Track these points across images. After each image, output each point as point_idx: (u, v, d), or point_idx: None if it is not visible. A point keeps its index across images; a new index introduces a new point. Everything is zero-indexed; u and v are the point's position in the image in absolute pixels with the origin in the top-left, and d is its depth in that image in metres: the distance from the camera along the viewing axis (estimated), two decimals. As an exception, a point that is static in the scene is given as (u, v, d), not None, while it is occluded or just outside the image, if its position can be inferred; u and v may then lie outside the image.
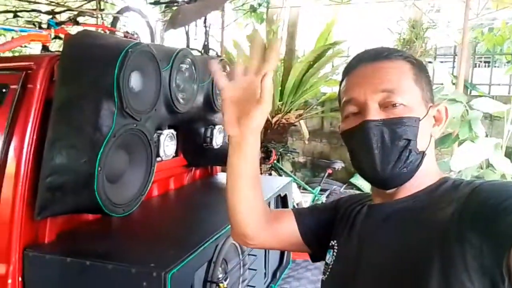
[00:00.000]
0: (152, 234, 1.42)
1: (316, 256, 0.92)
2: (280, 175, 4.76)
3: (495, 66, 6.43)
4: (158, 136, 1.50)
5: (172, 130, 1.59)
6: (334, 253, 0.82)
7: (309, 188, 4.61)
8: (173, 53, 1.48)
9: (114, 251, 1.24)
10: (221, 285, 1.43)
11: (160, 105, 1.44)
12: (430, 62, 5.27)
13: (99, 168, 1.15)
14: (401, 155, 0.69)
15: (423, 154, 0.71)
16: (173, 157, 1.81)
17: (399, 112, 0.69)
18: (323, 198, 4.35)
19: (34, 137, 1.22)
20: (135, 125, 1.28)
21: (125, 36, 3.94)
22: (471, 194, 0.64)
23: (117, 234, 1.37)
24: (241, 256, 1.67)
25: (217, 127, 1.96)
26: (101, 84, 1.17)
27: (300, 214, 0.89)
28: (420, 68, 0.74)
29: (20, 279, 1.18)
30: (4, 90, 1.23)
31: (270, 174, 4.79)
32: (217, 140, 1.98)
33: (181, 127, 1.81)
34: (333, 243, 0.83)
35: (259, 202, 0.83)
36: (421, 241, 0.64)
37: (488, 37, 5.35)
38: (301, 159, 6.18)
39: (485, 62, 6.93)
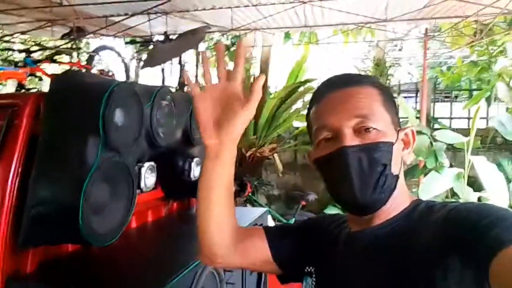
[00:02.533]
0: (131, 263, 1.46)
1: (287, 277, 0.90)
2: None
3: (455, 101, 6.87)
4: (139, 168, 1.57)
5: (152, 163, 1.66)
6: (313, 282, 0.81)
7: (284, 220, 4.68)
8: (154, 91, 1.58)
9: (95, 280, 1.27)
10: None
11: (141, 139, 1.52)
12: (394, 97, 5.61)
13: (84, 200, 1.20)
14: (379, 180, 0.70)
15: (397, 177, 0.72)
16: (152, 189, 1.87)
17: (373, 137, 0.70)
18: (297, 230, 4.43)
19: (19, 170, 1.27)
20: (118, 157, 1.35)
21: (100, 73, 4.04)
22: (447, 218, 0.64)
23: (98, 263, 1.40)
24: (219, 285, 1.72)
25: (195, 160, 2.04)
26: (87, 120, 1.24)
27: (271, 233, 0.87)
28: (387, 93, 0.76)
29: (1, 311, 1.19)
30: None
31: (245, 207, 4.86)
32: (195, 173, 2.05)
33: (160, 160, 1.88)
34: (311, 270, 0.82)
35: (231, 218, 0.82)
36: (404, 268, 0.64)
37: (446, 75, 5.75)
38: (276, 192, 6.28)
39: (445, 97, 7.41)
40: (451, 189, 4.36)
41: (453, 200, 4.39)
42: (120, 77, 4.29)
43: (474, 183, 4.44)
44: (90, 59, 4.04)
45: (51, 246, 1.33)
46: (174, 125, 1.77)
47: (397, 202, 0.73)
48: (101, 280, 1.28)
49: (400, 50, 6.76)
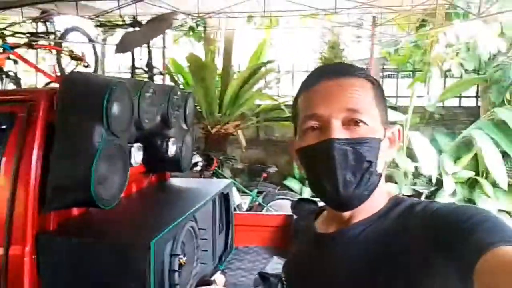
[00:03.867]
0: (127, 221, 1.87)
1: None
2: (221, 181, 5.27)
3: (402, 77, 7.50)
4: (130, 148, 1.96)
5: (139, 143, 2.05)
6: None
7: (247, 191, 5.16)
8: (141, 85, 1.96)
9: (100, 232, 1.69)
10: (181, 260, 1.91)
11: (131, 124, 1.90)
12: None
13: (94, 173, 1.59)
14: (363, 176, 0.68)
15: (380, 175, 0.71)
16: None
17: (362, 132, 0.68)
18: (260, 199, 4.92)
19: (40, 151, 1.64)
20: (116, 140, 1.74)
21: (70, 55, 4.27)
22: (429, 221, 0.63)
23: (102, 221, 1.81)
24: (195, 240, 2.16)
25: (171, 140, 2.43)
26: (93, 112, 1.61)
27: None
28: (379, 89, 0.74)
29: (34, 257, 1.58)
30: (14, 117, 1.63)
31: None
32: (171, 150, 2.45)
33: (144, 141, 2.27)
34: (282, 276, 0.83)
35: None
36: (385, 270, 0.64)
37: (393, 57, 6.33)
38: (240, 166, 6.74)
39: (392, 75, 8.02)
40: (393, 160, 4.98)
41: (395, 169, 5.02)
42: (89, 58, 4.53)
43: (413, 155, 5.10)
44: (61, 39, 4.24)
45: (67, 209, 1.72)
46: (156, 112, 2.15)
47: (376, 200, 0.71)
48: (105, 233, 1.70)
49: (359, 25, 7.06)
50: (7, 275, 1.57)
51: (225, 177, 5.34)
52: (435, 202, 0.68)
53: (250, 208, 4.87)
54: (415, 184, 5.12)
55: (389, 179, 5.38)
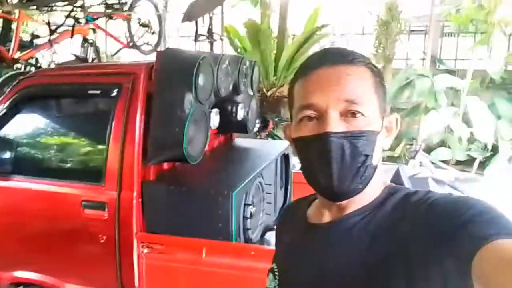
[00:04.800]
0: (211, 174, 2.23)
1: None
2: (276, 141, 5.58)
3: (464, 36, 7.20)
4: (209, 113, 2.28)
5: (216, 109, 2.36)
6: (276, 278, 0.80)
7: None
8: (218, 58, 2.24)
9: (190, 182, 2.05)
10: (251, 209, 2.25)
11: (212, 93, 2.21)
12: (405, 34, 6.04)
13: (186, 134, 1.93)
14: (359, 170, 0.68)
15: (375, 167, 0.71)
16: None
17: (359, 124, 0.67)
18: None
19: (142, 116, 1.99)
20: (200, 107, 2.06)
21: (138, 23, 4.64)
22: (427, 212, 0.63)
23: (191, 173, 2.17)
24: (261, 194, 2.50)
25: (240, 105, 2.72)
26: (184, 83, 1.93)
27: None
28: (379, 76, 0.72)
29: (140, 200, 1.98)
30: (121, 87, 1.99)
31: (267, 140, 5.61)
32: (240, 114, 2.75)
33: (217, 106, 2.58)
34: (273, 267, 0.82)
35: None
36: (381, 260, 0.64)
37: (454, 18, 6.10)
38: (292, 127, 6.98)
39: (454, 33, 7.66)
40: (448, 126, 5.00)
41: (449, 134, 5.05)
42: (155, 26, 4.88)
43: (469, 120, 5.07)
44: (131, 9, 4.61)
45: (164, 163, 2.09)
46: (229, 81, 2.44)
47: (371, 189, 0.71)
48: (196, 183, 2.06)
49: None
50: (119, 214, 1.99)
51: (280, 139, 5.64)
52: (430, 192, 0.68)
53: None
54: (469, 149, 5.12)
55: (443, 144, 5.41)
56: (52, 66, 4.03)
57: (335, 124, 0.67)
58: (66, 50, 4.26)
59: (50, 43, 3.57)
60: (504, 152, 4.68)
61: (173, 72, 1.94)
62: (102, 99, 2.07)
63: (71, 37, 3.53)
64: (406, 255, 0.62)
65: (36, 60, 3.69)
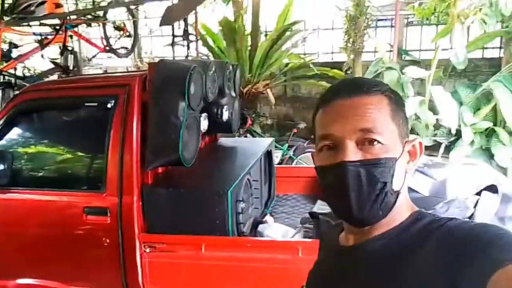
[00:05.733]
0: (204, 174, 2.38)
1: None
2: (254, 137, 5.74)
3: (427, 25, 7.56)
4: (199, 118, 2.42)
5: (205, 113, 2.51)
6: None
7: (279, 145, 5.63)
8: (206, 65, 2.38)
9: (193, 183, 2.21)
10: (242, 205, 2.42)
11: (201, 99, 2.35)
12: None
13: (181, 139, 2.07)
14: (377, 198, 0.69)
15: (398, 193, 0.71)
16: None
17: (376, 152, 0.69)
18: (290, 152, 5.38)
19: (138, 124, 2.12)
20: (192, 113, 2.20)
21: (113, 27, 4.69)
22: (447, 238, 0.65)
23: (185, 175, 2.32)
24: (250, 189, 2.68)
25: (224, 107, 2.88)
26: (178, 92, 2.07)
27: None
28: (397, 103, 0.74)
29: (140, 203, 2.12)
30: (117, 98, 2.11)
31: (246, 137, 5.76)
32: (225, 116, 2.91)
33: (204, 110, 2.73)
34: (304, 284, 0.86)
35: None
36: (401, 285, 0.65)
37: (418, 10, 6.42)
38: (269, 122, 7.19)
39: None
40: (415, 114, 5.28)
41: (417, 121, 5.36)
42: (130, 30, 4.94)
43: (435, 108, 5.39)
44: (104, 15, 4.64)
45: (160, 167, 2.23)
46: (215, 86, 2.59)
47: (396, 215, 0.72)
48: (192, 184, 2.22)
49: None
50: (121, 218, 2.12)
51: (259, 134, 5.81)
52: (454, 219, 0.69)
53: (281, 161, 5.29)
54: (435, 135, 5.47)
55: (411, 131, 5.73)
56: (28, 75, 4.06)
57: (352, 153, 0.69)
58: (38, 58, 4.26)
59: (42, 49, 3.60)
60: (466, 136, 5.02)
61: (167, 82, 2.08)
62: (99, 110, 2.18)
63: (47, 46, 3.56)
64: (425, 280, 0.63)
65: (15, 70, 3.70)
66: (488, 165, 3.19)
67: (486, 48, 6.33)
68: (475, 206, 2.08)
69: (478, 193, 2.15)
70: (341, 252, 0.80)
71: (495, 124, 5.10)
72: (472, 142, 5.01)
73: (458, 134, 5.15)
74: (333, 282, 0.78)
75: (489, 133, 5.11)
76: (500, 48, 6.19)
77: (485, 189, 2.14)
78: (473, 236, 0.63)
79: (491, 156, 4.99)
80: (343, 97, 0.73)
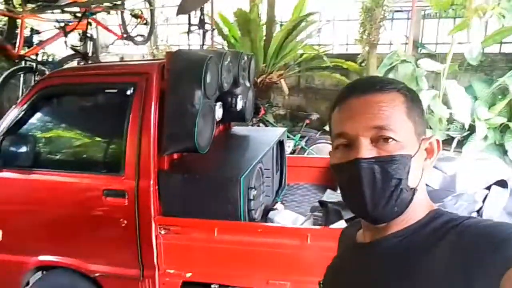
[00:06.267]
0: (218, 161, 2.46)
1: None
2: (267, 126, 5.81)
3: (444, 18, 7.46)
4: (215, 106, 2.50)
5: (220, 102, 2.58)
6: None
7: (291, 136, 5.68)
8: (221, 55, 2.44)
9: (207, 170, 2.29)
10: (254, 192, 2.50)
11: (217, 88, 2.42)
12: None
13: (197, 126, 2.15)
14: (392, 194, 0.69)
15: (414, 190, 0.71)
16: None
17: (391, 149, 0.69)
18: (302, 143, 5.43)
19: (156, 111, 2.20)
20: (208, 102, 2.27)
21: (131, 14, 4.76)
22: (463, 236, 0.65)
23: (201, 162, 2.40)
24: (261, 177, 2.75)
25: (239, 96, 2.94)
26: (194, 81, 2.14)
27: None
28: (413, 100, 0.73)
29: (156, 187, 2.21)
30: (136, 86, 2.19)
31: (259, 126, 5.83)
32: (239, 105, 2.98)
33: (219, 99, 2.80)
34: (321, 281, 0.88)
35: None
36: (415, 282, 0.66)
37: (435, 2, 6.34)
38: (282, 112, 7.23)
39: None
40: (429, 107, 5.28)
41: (430, 115, 5.35)
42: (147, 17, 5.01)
43: (449, 102, 5.37)
44: (123, 3, 4.72)
45: (176, 153, 2.32)
46: (230, 75, 2.65)
47: (413, 213, 0.73)
48: (206, 170, 2.30)
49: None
50: (138, 200, 2.21)
51: (272, 124, 5.87)
52: (471, 217, 0.70)
53: (293, 151, 5.35)
54: (448, 129, 5.45)
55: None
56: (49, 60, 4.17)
57: (366, 151, 0.70)
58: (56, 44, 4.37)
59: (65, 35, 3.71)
60: (479, 131, 5.00)
61: (184, 72, 2.15)
62: (119, 97, 2.26)
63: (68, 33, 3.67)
64: (438, 279, 0.64)
65: (37, 55, 3.81)
66: (501, 161, 3.20)
67: (504, 42, 6.24)
68: (483, 201, 2.12)
69: (488, 188, 2.18)
70: (358, 248, 0.82)
71: (509, 120, 5.07)
72: (486, 137, 4.99)
73: (472, 129, 5.13)
74: (348, 277, 0.80)
75: (503, 129, 5.08)
76: (519, 43, 6.09)
77: (495, 183, 2.17)
78: (487, 235, 0.63)
79: (504, 152, 4.97)
80: (357, 95, 0.73)
